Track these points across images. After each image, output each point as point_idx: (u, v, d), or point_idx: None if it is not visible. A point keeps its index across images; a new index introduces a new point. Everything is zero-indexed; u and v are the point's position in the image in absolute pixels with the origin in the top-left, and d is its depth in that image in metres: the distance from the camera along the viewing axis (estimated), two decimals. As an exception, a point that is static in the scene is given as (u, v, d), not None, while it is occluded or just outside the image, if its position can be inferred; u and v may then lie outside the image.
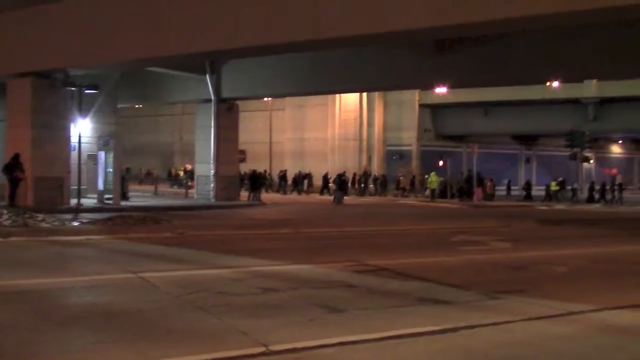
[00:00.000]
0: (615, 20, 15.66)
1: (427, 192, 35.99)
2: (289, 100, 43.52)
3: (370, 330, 6.34)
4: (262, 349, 5.66)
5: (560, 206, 32.78)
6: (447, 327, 6.52)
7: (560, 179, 37.57)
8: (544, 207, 31.71)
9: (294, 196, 37.16)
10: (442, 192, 35.72)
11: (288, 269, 10.25)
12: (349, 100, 43.37)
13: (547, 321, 7.10)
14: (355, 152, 43.23)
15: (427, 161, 40.44)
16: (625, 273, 10.96)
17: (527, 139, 47.86)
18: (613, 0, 11.82)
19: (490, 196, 35.72)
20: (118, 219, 17.00)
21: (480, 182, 34.98)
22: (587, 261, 12.21)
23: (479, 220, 21.57)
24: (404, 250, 13.11)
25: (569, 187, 37.66)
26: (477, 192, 34.08)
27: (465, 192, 34.74)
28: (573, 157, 35.76)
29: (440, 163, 36.90)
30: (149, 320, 6.73)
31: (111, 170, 23.90)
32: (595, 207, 33.50)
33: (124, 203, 23.88)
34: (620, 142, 53.76)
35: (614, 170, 48.08)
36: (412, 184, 39.18)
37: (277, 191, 39.53)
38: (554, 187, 36.75)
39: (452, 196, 35.56)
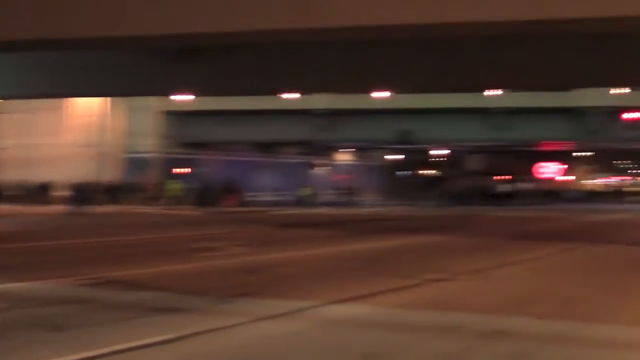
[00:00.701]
0: (334, 40, 16.77)
1: (168, 200, 35.63)
2: (13, 101, 39.78)
3: (98, 346, 6.03)
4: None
5: (296, 210, 34.73)
6: (178, 335, 6.47)
7: (306, 185, 39.95)
8: (281, 212, 33.31)
9: (24, 208, 34.07)
10: (185, 200, 35.63)
11: (3, 288, 9.32)
12: (88, 105, 41.10)
13: (274, 320, 7.42)
14: (93, 159, 41.06)
15: (169, 169, 40.00)
16: (349, 270, 11.93)
17: (267, 147, 49.89)
18: (331, 22, 12.71)
19: (240, 203, 36.61)
20: None
21: (230, 189, 35.65)
22: (317, 261, 13.06)
23: (219, 227, 21.91)
24: (139, 260, 12.73)
25: (311, 193, 40.19)
26: (228, 198, 34.67)
27: (209, 199, 35.08)
28: (306, 164, 38.18)
29: (183, 170, 36.79)
30: None
31: None
32: (328, 210, 36.13)
33: None
34: (351, 150, 58.75)
35: (346, 177, 52.21)
36: (153, 191, 38.47)
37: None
38: (302, 192, 39.03)
39: (199, 203, 35.67)
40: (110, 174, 40.98)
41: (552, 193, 58.04)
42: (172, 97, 34.87)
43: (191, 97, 31.15)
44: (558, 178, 61.84)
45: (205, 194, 35.73)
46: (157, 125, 41.84)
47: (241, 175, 42.92)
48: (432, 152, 56.07)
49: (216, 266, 12.16)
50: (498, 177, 62.12)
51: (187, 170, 36.48)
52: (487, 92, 35.87)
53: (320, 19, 12.37)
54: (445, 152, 55.63)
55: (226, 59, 21.68)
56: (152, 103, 41.19)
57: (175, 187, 35.26)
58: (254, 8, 12.61)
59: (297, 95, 34.11)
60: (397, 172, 59.42)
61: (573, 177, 69.63)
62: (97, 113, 41.21)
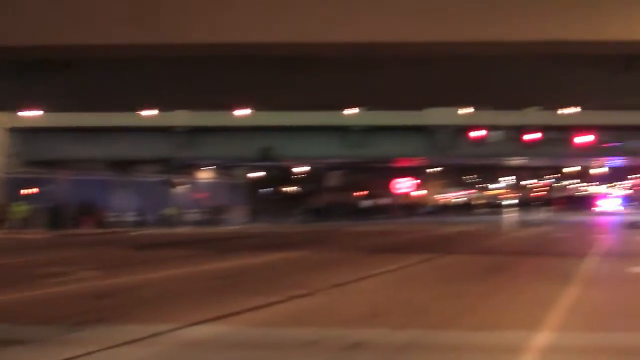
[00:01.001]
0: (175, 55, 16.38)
1: (15, 223, 33.26)
2: None
3: None
4: None
5: (159, 230, 33.68)
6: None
7: (168, 204, 38.89)
8: (142, 232, 32.15)
9: None
10: (34, 222, 33.41)
11: None
12: None
13: (129, 346, 7.04)
14: None
15: (16, 190, 37.31)
16: (210, 289, 11.64)
17: (124, 166, 48.00)
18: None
19: (99, 224, 34.92)
20: None
21: (87, 210, 33.95)
22: (176, 282, 12.66)
23: (70, 250, 20.72)
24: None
25: (173, 212, 39.20)
26: (85, 220, 32.97)
27: (62, 221, 33.17)
28: (167, 182, 37.23)
29: (31, 191, 34.49)
30: None
31: None
32: (191, 229, 35.38)
33: None
34: (211, 168, 58.00)
35: (209, 195, 51.41)
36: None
37: None
38: (164, 211, 37.94)
39: (51, 225, 33.55)
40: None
41: (409, 207, 60.69)
42: (19, 113, 32.73)
43: (39, 112, 29.40)
44: (413, 193, 64.77)
45: (57, 216, 33.73)
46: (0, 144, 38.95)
47: (99, 195, 40.96)
48: (294, 169, 56.76)
49: (65, 292, 11.39)
50: (358, 193, 64.04)
51: (36, 190, 34.23)
52: (346, 111, 37.02)
53: (161, 34, 12.10)
54: (307, 168, 56.53)
55: (78, 73, 20.69)
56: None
57: (21, 209, 32.95)
58: (93, 22, 12.10)
59: (155, 112, 33.25)
60: (261, 190, 59.51)
61: (427, 192, 73.23)
62: None
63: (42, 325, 8.10)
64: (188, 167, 46.68)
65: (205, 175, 51.27)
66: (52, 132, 39.41)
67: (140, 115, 34.50)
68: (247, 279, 13.18)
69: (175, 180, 39.69)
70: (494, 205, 76.48)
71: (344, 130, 38.33)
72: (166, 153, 37.20)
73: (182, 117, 37.05)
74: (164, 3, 11.91)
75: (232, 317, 8.76)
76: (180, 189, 44.86)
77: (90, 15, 12.08)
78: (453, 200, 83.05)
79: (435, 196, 78.44)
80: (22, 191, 34.84)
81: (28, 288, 11.71)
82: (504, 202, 79.27)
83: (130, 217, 39.21)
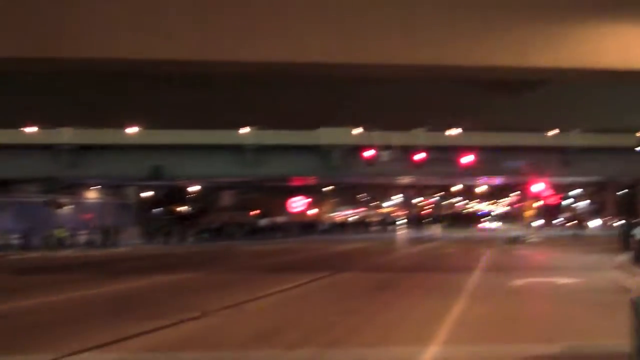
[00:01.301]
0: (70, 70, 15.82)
1: None
2: None
3: None
4: None
5: (41, 253, 31.91)
6: None
7: (53, 225, 37.10)
8: (22, 256, 30.37)
9: None
10: None
11: None
12: None
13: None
14: None
15: None
16: (95, 315, 11.11)
17: (5, 185, 45.27)
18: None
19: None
20: None
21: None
22: (58, 309, 12.01)
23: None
24: None
25: (58, 234, 37.38)
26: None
27: None
28: (50, 203, 35.46)
29: None
30: None
31: None
32: (78, 251, 33.80)
33: None
34: (98, 187, 55.76)
35: (93, 216, 49.41)
36: None
37: None
38: (48, 233, 36.18)
39: None
40: None
41: (306, 225, 60.99)
42: None
43: None
44: (309, 211, 65.23)
45: None
46: None
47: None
48: (188, 188, 55.71)
49: None
50: (254, 212, 63.71)
51: None
52: (240, 130, 36.83)
53: (41, 48, 11.60)
54: (201, 188, 55.66)
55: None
56: None
57: None
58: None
59: (38, 129, 31.72)
60: (153, 210, 57.89)
61: (323, 210, 74.00)
62: None
63: None
64: (75, 187, 44.72)
65: (94, 195, 49.32)
66: None
67: (23, 132, 32.80)
68: (137, 303, 12.70)
69: (62, 200, 37.79)
70: (387, 223, 78.48)
71: (238, 149, 38.09)
72: (51, 172, 35.41)
73: (67, 135, 35.50)
74: (45, 16, 11.39)
75: (118, 343, 8.39)
76: (67, 210, 42.87)
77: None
78: (348, 218, 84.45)
79: (330, 214, 79.44)
80: None
81: None
82: (396, 220, 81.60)
83: (12, 239, 36.94)
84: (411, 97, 20.37)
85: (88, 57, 11.94)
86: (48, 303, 12.80)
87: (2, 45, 11.36)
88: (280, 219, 63.39)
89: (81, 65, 12.84)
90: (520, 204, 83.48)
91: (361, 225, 75.85)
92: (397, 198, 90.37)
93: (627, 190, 54.25)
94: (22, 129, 29.63)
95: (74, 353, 7.74)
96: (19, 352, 7.88)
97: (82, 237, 40.21)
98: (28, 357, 7.47)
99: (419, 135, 36.04)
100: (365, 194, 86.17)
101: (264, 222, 61.90)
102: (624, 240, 24.08)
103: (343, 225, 73.53)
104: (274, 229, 58.59)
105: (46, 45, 11.32)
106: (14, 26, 11.28)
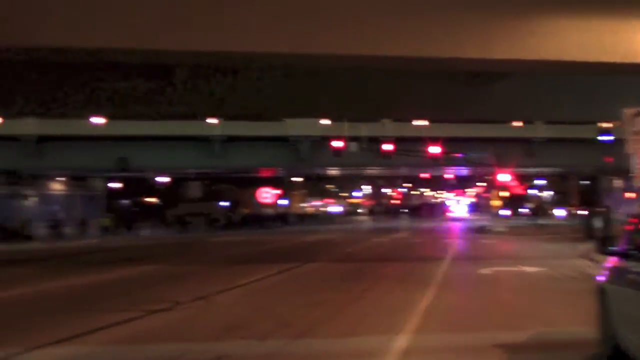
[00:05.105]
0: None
1: None
2: None
3: None
4: None
5: (3, 246, 31.26)
6: None
7: (15, 217, 36.39)
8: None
9: None
10: None
11: None
12: None
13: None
14: None
15: None
16: (61, 309, 10.90)
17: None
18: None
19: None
20: None
21: None
22: (19, 303, 11.79)
23: None
24: None
25: (21, 225, 36.72)
26: None
27: None
28: (14, 195, 34.75)
29: None
30: None
31: None
32: (41, 244, 33.19)
33: None
34: (64, 179, 54.83)
35: (58, 207, 48.63)
36: None
37: None
38: (11, 225, 35.53)
39: None
40: None
41: (275, 217, 60.87)
42: None
43: None
44: (279, 202, 65.12)
45: None
46: None
47: None
48: (154, 180, 55.12)
49: None
50: (223, 203, 63.36)
51: None
52: (206, 121, 36.45)
53: (12, 37, 11.28)
54: (168, 179, 55.11)
55: None
56: None
57: None
58: None
59: (0, 120, 30.99)
60: (120, 201, 57.16)
61: (292, 201, 73.97)
62: None
63: None
64: (39, 178, 43.87)
65: (58, 186, 48.45)
66: None
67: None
68: (103, 295, 12.52)
69: (24, 192, 37.02)
70: (357, 213, 78.84)
71: (205, 141, 37.73)
72: (12, 163, 34.66)
73: (30, 126, 34.70)
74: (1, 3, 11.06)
75: (86, 336, 8.25)
76: (30, 201, 42.08)
77: None
78: (316, 209, 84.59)
79: (299, 205, 79.46)
80: None
81: None
82: (364, 210, 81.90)
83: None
84: (378, 89, 20.40)
85: (48, 45, 11.65)
86: (16, 296, 12.54)
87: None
88: (249, 210, 63.19)
89: (41, 53, 12.52)
90: (487, 194, 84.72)
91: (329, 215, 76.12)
92: (367, 189, 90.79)
93: (588, 181, 55.30)
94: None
95: (38, 347, 7.60)
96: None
97: (46, 229, 39.49)
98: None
99: (387, 126, 36.17)
100: (333, 185, 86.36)
101: (232, 213, 61.63)
102: (587, 230, 24.59)
103: (312, 216, 73.65)
104: (243, 219, 58.40)
105: (4, 33, 11.01)
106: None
